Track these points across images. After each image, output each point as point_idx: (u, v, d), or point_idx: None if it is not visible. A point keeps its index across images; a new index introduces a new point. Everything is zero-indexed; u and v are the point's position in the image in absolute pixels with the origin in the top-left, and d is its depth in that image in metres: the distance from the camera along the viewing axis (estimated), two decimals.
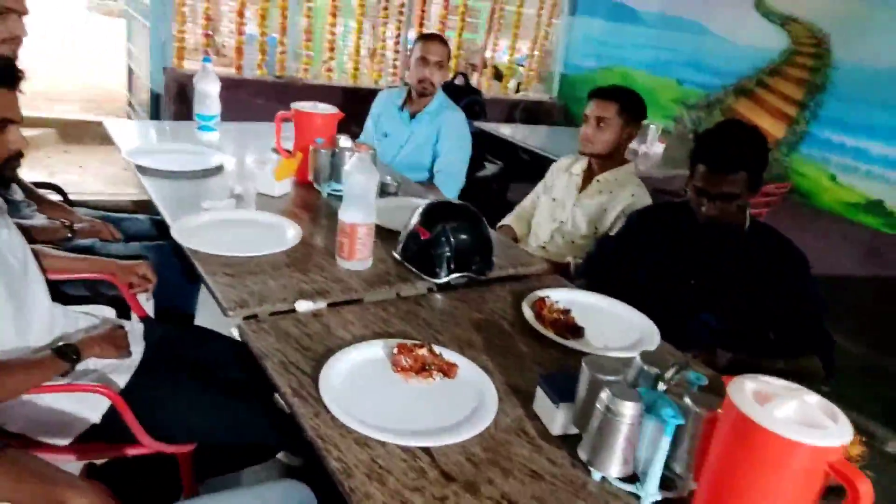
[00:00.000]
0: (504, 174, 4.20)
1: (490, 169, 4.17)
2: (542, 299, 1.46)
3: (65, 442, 1.30)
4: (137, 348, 1.46)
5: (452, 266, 1.53)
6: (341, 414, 1.02)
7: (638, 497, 0.96)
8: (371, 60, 4.74)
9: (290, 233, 1.67)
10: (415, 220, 1.56)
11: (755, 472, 0.80)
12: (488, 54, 5.22)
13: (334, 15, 4.12)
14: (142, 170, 2.00)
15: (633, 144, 3.26)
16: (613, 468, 0.95)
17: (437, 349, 1.20)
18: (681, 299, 1.69)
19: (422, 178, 2.65)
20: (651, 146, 3.50)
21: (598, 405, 0.95)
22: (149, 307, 2.07)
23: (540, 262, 1.81)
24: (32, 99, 2.64)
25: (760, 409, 0.79)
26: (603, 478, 0.98)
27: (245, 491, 1.17)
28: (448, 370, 1.18)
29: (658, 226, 1.84)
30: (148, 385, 1.39)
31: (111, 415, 1.30)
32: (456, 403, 1.11)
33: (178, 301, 1.95)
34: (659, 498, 0.95)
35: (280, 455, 1.83)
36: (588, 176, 2.24)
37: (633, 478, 0.97)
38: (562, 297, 1.51)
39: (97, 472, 1.55)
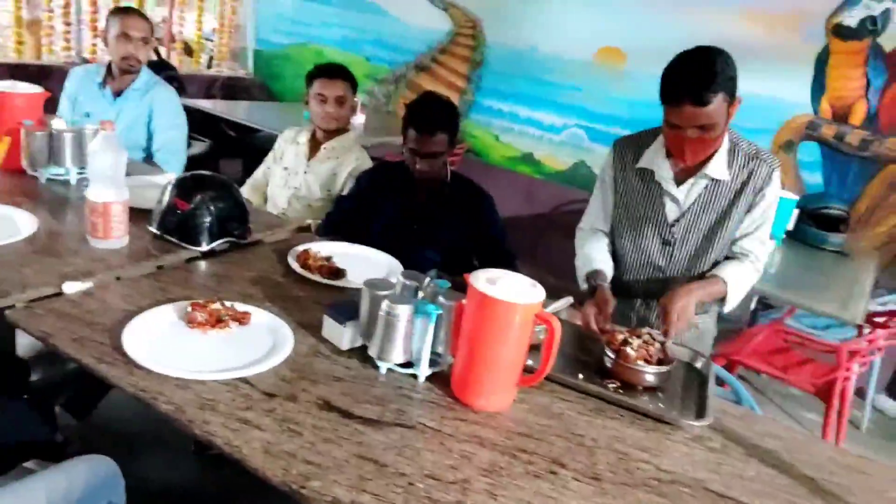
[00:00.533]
0: (213, 152, 4.15)
1: (198, 147, 4.08)
2: (305, 251, 1.68)
3: None
4: None
5: (215, 233, 1.64)
6: (156, 367, 1.12)
7: (415, 376, 1.27)
8: (31, 33, 4.14)
9: (22, 220, 1.57)
10: (168, 194, 1.62)
11: (492, 331, 1.17)
12: (176, 29, 4.97)
13: None
14: None
15: None
16: (396, 357, 1.25)
17: (227, 303, 1.34)
18: (408, 241, 2.06)
19: (138, 158, 2.56)
20: (356, 118, 3.86)
21: (380, 313, 1.23)
22: None
23: (287, 222, 2.01)
24: None
25: (492, 286, 1.16)
26: (389, 369, 1.27)
27: (51, 471, 1.17)
28: (241, 318, 1.33)
29: (383, 183, 2.19)
30: None
31: None
32: (256, 343, 1.28)
33: None
34: (430, 373, 1.28)
35: (29, 464, 1.72)
36: (314, 145, 2.47)
37: (409, 364, 1.28)
38: (320, 248, 1.75)
39: None
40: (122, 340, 1.17)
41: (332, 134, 2.44)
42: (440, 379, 1.28)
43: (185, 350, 1.22)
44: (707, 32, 3.20)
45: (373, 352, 1.26)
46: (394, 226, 2.11)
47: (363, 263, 1.76)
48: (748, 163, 1.66)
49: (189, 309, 1.28)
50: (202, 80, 4.87)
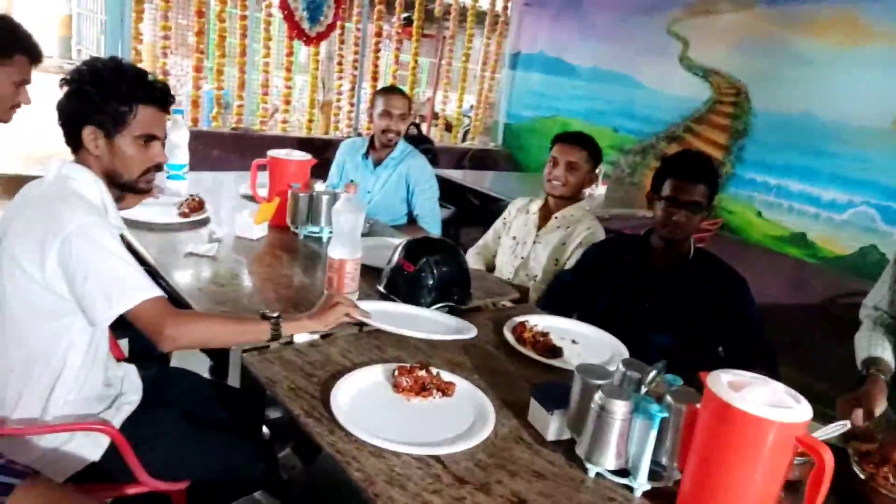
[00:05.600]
0: (457, 218, 4.37)
1: (444, 213, 4.32)
2: (521, 323, 1.58)
3: (59, 479, 1.30)
4: (135, 390, 1.48)
5: (435, 296, 1.63)
6: (356, 430, 1.10)
7: (631, 489, 1.06)
8: (323, 113, 4.89)
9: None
10: (398, 255, 1.67)
11: (733, 451, 0.93)
12: (438, 108, 5.47)
13: (289, 70, 4.26)
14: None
15: None
16: (608, 462, 1.06)
17: (434, 370, 1.29)
18: (636, 322, 1.84)
19: (397, 222, 2.78)
20: (596, 188, 3.76)
21: (592, 406, 1.06)
22: (123, 348, 2.07)
23: (511, 291, 1.94)
24: None
25: (736, 394, 0.92)
26: (598, 473, 1.08)
27: None
28: (446, 388, 1.27)
29: (614, 256, 2.01)
30: (142, 424, 1.42)
31: (109, 454, 1.32)
32: (457, 418, 1.20)
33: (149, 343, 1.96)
34: (649, 487, 1.06)
35: (258, 494, 1.84)
36: (545, 213, 2.40)
37: (624, 472, 1.08)
38: (538, 321, 1.64)
39: None
40: (331, 397, 1.18)
41: (564, 203, 2.35)
42: (662, 498, 1.05)
43: (386, 415, 1.18)
44: None
45: (580, 450, 1.09)
46: (622, 303, 1.91)
47: (583, 343, 1.60)
48: None
49: (396, 372, 1.26)
50: (455, 151, 5.23)
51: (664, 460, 1.07)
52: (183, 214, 2.06)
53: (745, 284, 1.87)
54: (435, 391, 1.26)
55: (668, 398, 1.06)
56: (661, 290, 1.88)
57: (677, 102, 4.37)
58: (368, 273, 1.77)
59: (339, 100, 4.72)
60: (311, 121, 4.54)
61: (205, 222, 2.09)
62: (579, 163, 2.28)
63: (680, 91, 4.35)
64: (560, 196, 2.34)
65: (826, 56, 3.60)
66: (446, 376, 1.30)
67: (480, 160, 5.27)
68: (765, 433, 0.90)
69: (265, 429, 1.99)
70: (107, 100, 1.30)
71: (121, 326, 1.94)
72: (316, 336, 1.46)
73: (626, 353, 1.55)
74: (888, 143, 3.38)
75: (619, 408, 1.04)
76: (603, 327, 1.68)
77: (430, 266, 1.62)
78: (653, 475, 1.06)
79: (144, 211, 2.04)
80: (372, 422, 1.14)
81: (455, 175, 4.29)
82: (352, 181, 2.83)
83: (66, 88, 1.33)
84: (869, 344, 1.60)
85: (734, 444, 0.92)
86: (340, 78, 4.59)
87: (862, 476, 1.09)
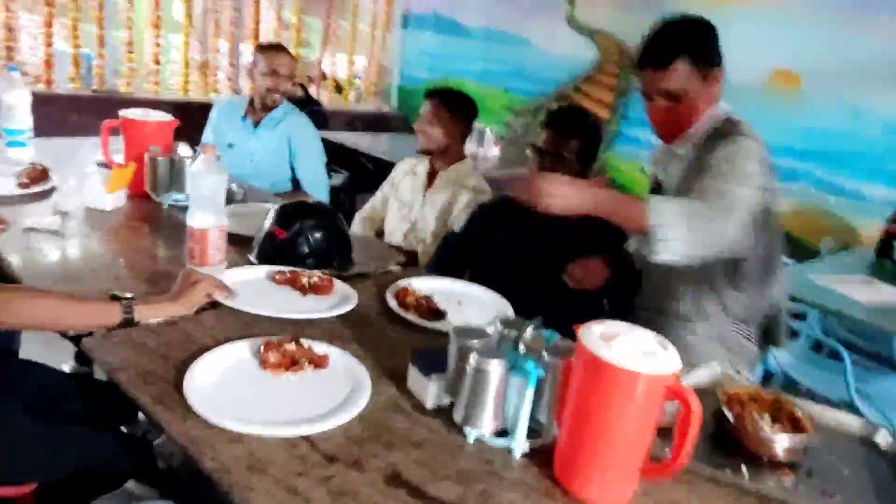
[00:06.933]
0: (350, 184, 4.22)
1: (336, 179, 4.17)
2: (404, 289, 1.51)
3: None
4: None
5: (312, 264, 1.53)
6: (212, 414, 0.99)
7: (510, 450, 1.03)
8: (202, 74, 4.53)
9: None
10: (269, 221, 1.54)
11: (604, 404, 0.90)
12: (327, 68, 5.23)
13: (157, 27, 3.89)
14: None
15: (471, 148, 3.44)
16: (486, 425, 1.02)
17: (304, 342, 1.20)
18: (523, 280, 1.83)
19: (280, 189, 2.61)
20: (487, 149, 3.74)
21: (467, 368, 1.01)
22: None
23: (396, 255, 1.87)
24: None
25: (605, 345, 0.89)
26: (477, 438, 1.04)
27: None
28: (319, 361, 1.18)
29: (501, 215, 1.98)
30: None
31: None
32: (330, 391, 1.12)
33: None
34: (527, 448, 1.03)
35: (129, 484, 1.70)
36: (431, 175, 2.34)
37: (502, 433, 1.04)
38: (422, 285, 1.57)
39: None
40: (185, 381, 1.06)
41: (448, 161, 2.29)
42: (541, 455, 1.02)
43: (250, 396, 1.08)
44: None
45: (457, 415, 1.04)
46: (509, 261, 1.89)
47: (471, 304, 1.56)
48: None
49: (261, 348, 1.16)
50: (346, 115, 5.04)
51: (542, 418, 1.04)
52: (22, 185, 1.81)
53: (624, 234, 1.90)
54: (306, 365, 1.17)
55: (545, 354, 1.03)
56: (546, 245, 1.87)
57: (566, 62, 4.40)
58: (240, 242, 1.64)
59: (214, 59, 4.39)
60: (186, 82, 4.19)
61: (48, 193, 1.85)
62: (440, 114, 2.24)
63: (568, 51, 4.39)
64: (425, 151, 2.28)
65: (705, 13, 3.71)
66: (320, 348, 1.21)
67: (373, 123, 5.12)
68: (633, 384, 0.88)
69: (141, 415, 1.83)
70: None
71: None
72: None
73: (510, 311, 1.52)
74: (764, 99, 3.56)
75: (494, 367, 0.99)
76: (492, 288, 1.65)
77: (305, 231, 1.51)
78: (531, 434, 1.03)
79: None
80: (233, 405, 1.03)
81: (347, 138, 4.12)
82: (230, 145, 2.67)
83: None
84: None
85: (604, 396, 0.90)
86: (218, 36, 4.26)
87: (731, 418, 1.11)
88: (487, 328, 1.11)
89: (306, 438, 0.99)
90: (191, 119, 2.83)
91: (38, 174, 1.84)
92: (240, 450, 0.94)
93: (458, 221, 2.17)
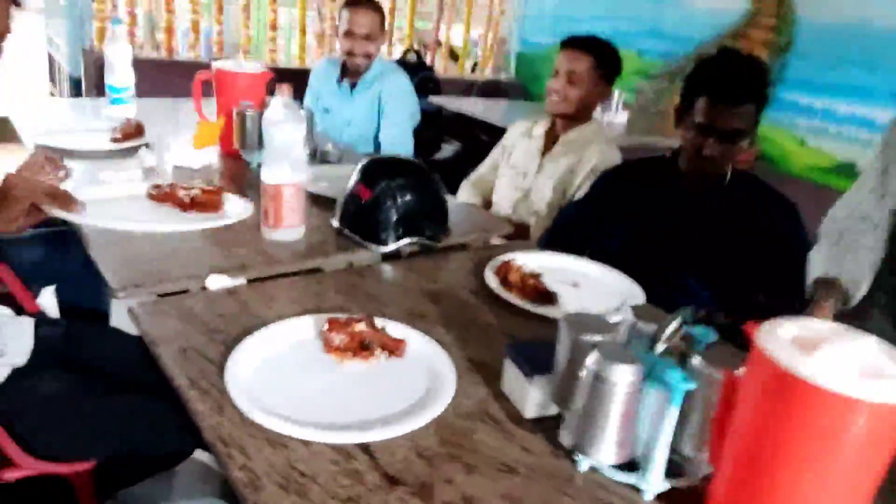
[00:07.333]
0: (462, 156, 3.98)
1: (447, 150, 3.95)
2: (507, 262, 1.24)
3: None
4: (21, 347, 1.20)
5: (401, 231, 1.30)
6: (251, 407, 0.78)
7: (638, 489, 0.74)
8: (318, 44, 4.48)
9: (232, 208, 1.40)
10: (354, 179, 1.33)
11: (802, 444, 0.59)
12: (443, 36, 5.01)
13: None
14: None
15: (596, 112, 3.07)
16: (606, 454, 0.73)
17: (379, 322, 0.97)
18: (659, 263, 1.49)
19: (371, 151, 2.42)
20: (616, 114, 3.32)
21: (583, 373, 0.73)
22: (52, 305, 1.79)
23: (504, 225, 1.60)
24: None
25: (803, 357, 0.58)
26: (593, 467, 0.76)
27: None
28: (394, 347, 0.94)
29: (632, 183, 1.65)
30: (35, 393, 1.13)
31: None
32: (404, 387, 0.88)
33: (86, 298, 1.67)
34: (665, 488, 0.74)
35: (197, 453, 1.58)
36: (550, 138, 2.03)
37: (630, 465, 0.75)
38: (530, 260, 1.30)
39: None
40: (228, 363, 0.86)
41: (571, 124, 1.96)
42: (685, 500, 0.73)
43: (304, 388, 0.87)
44: None
45: (566, 436, 0.76)
46: (641, 239, 1.56)
47: (590, 287, 1.26)
48: None
49: (326, 327, 0.94)
50: (461, 83, 4.79)
51: (687, 450, 0.74)
52: (115, 140, 1.73)
53: (796, 212, 1.51)
54: (378, 351, 0.94)
55: (696, 361, 0.73)
56: (691, 222, 1.52)
57: (710, 17, 3.85)
58: (330, 207, 1.44)
59: (332, 27, 4.30)
60: (303, 50, 4.14)
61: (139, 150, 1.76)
62: (583, 73, 1.87)
63: (713, 3, 3.83)
64: (561, 114, 1.95)
65: None
66: (397, 330, 0.98)
67: (490, 91, 4.83)
68: (851, 416, 0.56)
69: None
70: None
71: (47, 276, 1.66)
72: (241, 281, 1.14)
73: (641, 299, 1.21)
74: None
75: (622, 375, 0.70)
76: (618, 268, 1.34)
77: (392, 192, 1.28)
78: (672, 470, 0.74)
79: (71, 138, 1.73)
80: (282, 396, 0.83)
81: (461, 105, 3.87)
82: (326, 110, 2.49)
83: None
84: (825, 260, 1.35)
85: (800, 432, 0.59)
86: (334, 2, 4.17)
87: None
88: (613, 318, 0.81)
89: (365, 449, 0.75)
90: (304, 88, 2.71)
91: (133, 130, 1.76)
92: (278, 457, 0.73)
93: (580, 192, 1.85)
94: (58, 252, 1.61)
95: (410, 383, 0.89)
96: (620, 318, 0.82)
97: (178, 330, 0.96)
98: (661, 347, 0.78)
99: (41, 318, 1.31)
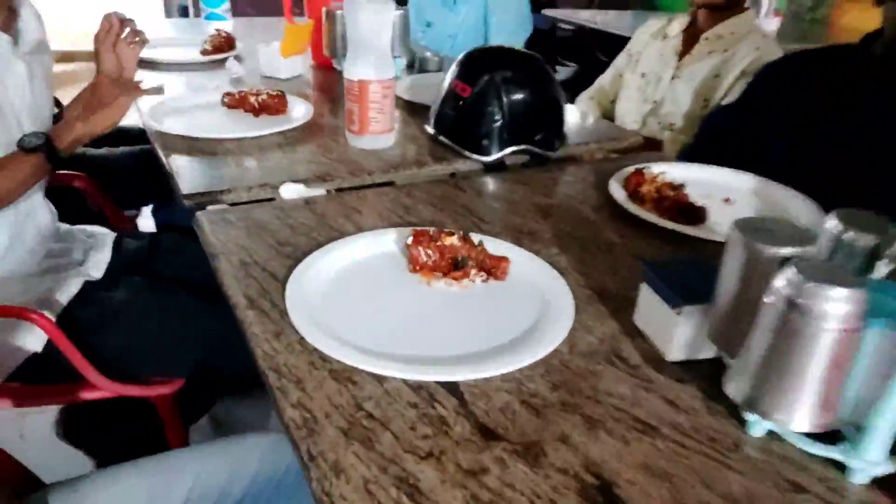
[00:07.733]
0: (579, 79, 3.63)
1: (563, 73, 3.62)
2: (639, 171, 1.00)
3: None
4: (99, 261, 1.14)
5: (506, 137, 1.08)
6: (314, 332, 0.63)
7: (845, 469, 0.51)
8: None
9: (297, 111, 1.27)
10: (451, 74, 1.12)
11: None
12: None
13: None
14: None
15: None
16: (799, 416, 0.50)
17: (476, 238, 0.78)
18: (841, 177, 1.17)
19: None
20: (765, 18, 2.83)
21: (769, 300, 0.49)
22: (150, 224, 1.77)
23: (631, 135, 1.33)
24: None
25: None
26: (771, 432, 0.54)
27: (227, 442, 0.82)
28: (494, 266, 0.75)
29: (804, 78, 1.30)
30: (111, 304, 1.06)
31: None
32: (507, 317, 0.69)
33: (181, 216, 1.62)
34: (890, 471, 0.50)
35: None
36: (690, 36, 1.69)
37: (831, 436, 0.52)
38: (670, 169, 1.04)
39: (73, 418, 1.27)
40: (291, 278, 0.71)
41: (720, 16, 1.61)
42: None
43: (382, 311, 0.70)
44: None
45: (735, 391, 0.54)
46: (815, 147, 1.23)
47: (748, 204, 0.99)
48: None
49: (409, 240, 0.76)
50: None
51: None
52: (204, 52, 1.63)
53: None
54: (475, 271, 0.75)
55: None
56: (886, 124, 1.17)
57: None
58: (426, 115, 1.25)
59: None
60: None
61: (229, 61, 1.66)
62: None
63: None
64: (710, 4, 1.60)
65: None
66: (498, 248, 0.78)
67: (611, 2, 4.35)
68: None
69: None
70: None
71: (143, 195, 1.62)
72: (321, 191, 0.99)
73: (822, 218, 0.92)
74: None
75: (836, 303, 0.46)
76: (783, 182, 1.05)
77: (497, 88, 1.06)
78: None
79: (163, 51, 1.65)
80: (353, 322, 0.66)
81: (580, 17, 3.49)
82: (428, 24, 2.28)
83: None
84: None
85: None
86: None
87: None
88: (811, 227, 0.56)
89: (453, 390, 0.58)
90: None
91: (222, 42, 1.65)
92: (343, 395, 0.57)
93: (728, 99, 1.53)
94: (152, 171, 1.56)
95: (514, 312, 0.69)
96: (825, 227, 0.57)
97: (242, 242, 0.82)
98: (884, 268, 0.53)
99: (123, 233, 1.25)
